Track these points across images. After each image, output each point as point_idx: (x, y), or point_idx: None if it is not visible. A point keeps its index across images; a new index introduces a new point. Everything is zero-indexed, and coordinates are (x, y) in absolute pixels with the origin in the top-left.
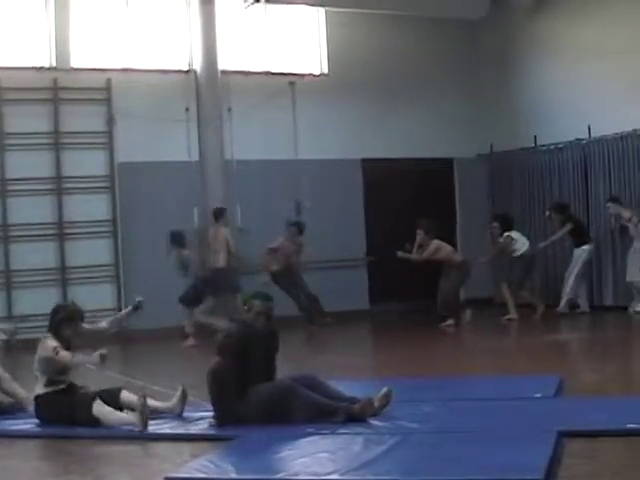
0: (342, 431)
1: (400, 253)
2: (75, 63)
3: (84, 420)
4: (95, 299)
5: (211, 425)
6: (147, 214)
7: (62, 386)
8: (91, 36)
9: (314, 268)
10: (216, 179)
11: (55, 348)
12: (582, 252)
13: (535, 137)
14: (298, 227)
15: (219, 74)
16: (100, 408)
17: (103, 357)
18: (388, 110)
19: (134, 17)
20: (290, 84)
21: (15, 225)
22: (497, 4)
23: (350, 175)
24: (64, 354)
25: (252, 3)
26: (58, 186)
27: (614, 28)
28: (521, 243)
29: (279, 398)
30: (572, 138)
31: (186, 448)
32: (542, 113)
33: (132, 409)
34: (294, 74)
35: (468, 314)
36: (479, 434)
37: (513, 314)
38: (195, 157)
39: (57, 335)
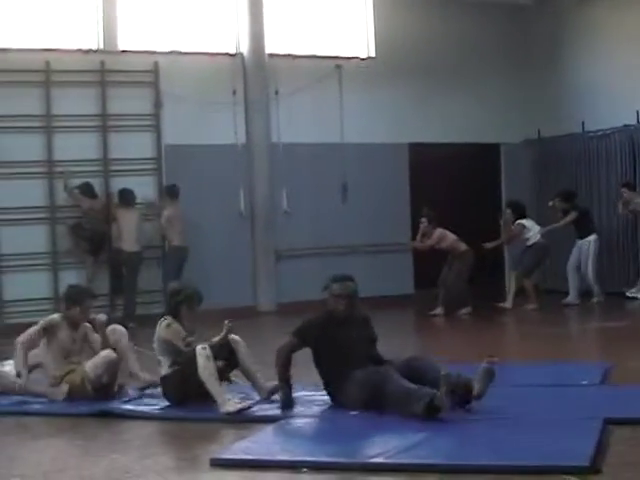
0: (385, 415)
1: (412, 243)
2: (123, 46)
3: (193, 383)
4: (145, 281)
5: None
6: (193, 196)
7: None
8: (139, 19)
9: (358, 252)
10: (262, 162)
11: (185, 338)
12: (588, 243)
13: (583, 123)
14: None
15: (266, 57)
16: (206, 363)
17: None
18: (435, 94)
19: (182, 0)
20: (337, 67)
21: (63, 207)
22: None
23: (396, 159)
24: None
25: None
26: (105, 168)
27: None
28: (534, 232)
29: (371, 385)
30: (620, 124)
31: (232, 429)
32: (590, 99)
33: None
34: (341, 57)
35: (467, 309)
36: (525, 420)
37: (508, 303)
38: (242, 140)
39: (175, 318)
